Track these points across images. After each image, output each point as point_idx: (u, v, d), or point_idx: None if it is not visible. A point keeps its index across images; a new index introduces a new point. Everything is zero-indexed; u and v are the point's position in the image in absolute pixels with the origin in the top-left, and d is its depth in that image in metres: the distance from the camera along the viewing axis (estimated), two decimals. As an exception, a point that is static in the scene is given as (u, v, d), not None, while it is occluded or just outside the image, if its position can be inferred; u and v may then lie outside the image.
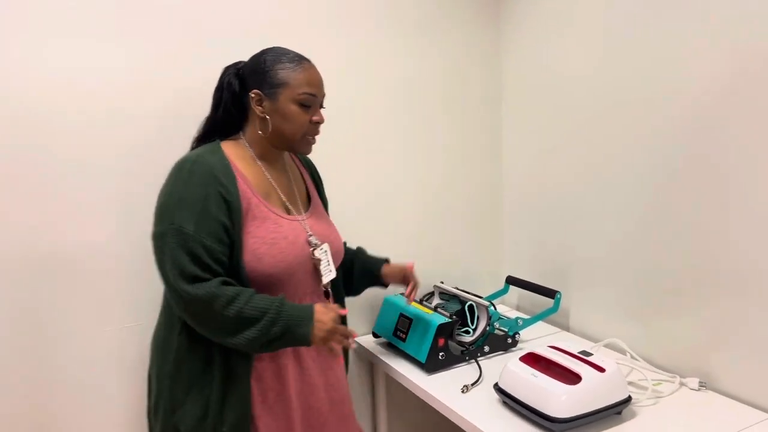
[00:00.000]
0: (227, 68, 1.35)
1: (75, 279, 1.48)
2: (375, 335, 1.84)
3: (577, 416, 1.23)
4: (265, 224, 1.25)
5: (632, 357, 1.60)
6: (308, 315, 1.21)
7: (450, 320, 1.59)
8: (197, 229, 1.16)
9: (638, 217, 1.62)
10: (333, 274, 1.37)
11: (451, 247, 2.08)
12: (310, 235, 1.33)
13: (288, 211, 1.34)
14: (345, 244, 1.62)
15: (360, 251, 1.66)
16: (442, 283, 1.97)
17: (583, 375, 1.26)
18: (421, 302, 1.78)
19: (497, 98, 2.12)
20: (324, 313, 1.22)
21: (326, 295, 1.40)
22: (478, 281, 2.15)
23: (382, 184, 1.92)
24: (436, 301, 1.89)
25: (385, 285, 1.64)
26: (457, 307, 1.78)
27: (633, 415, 1.33)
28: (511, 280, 1.98)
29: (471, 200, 2.11)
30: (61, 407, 1.49)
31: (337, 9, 1.78)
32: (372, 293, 1.91)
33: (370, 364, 1.94)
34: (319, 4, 1.75)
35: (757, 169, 1.32)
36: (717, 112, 1.39)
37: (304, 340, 1.20)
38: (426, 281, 2.03)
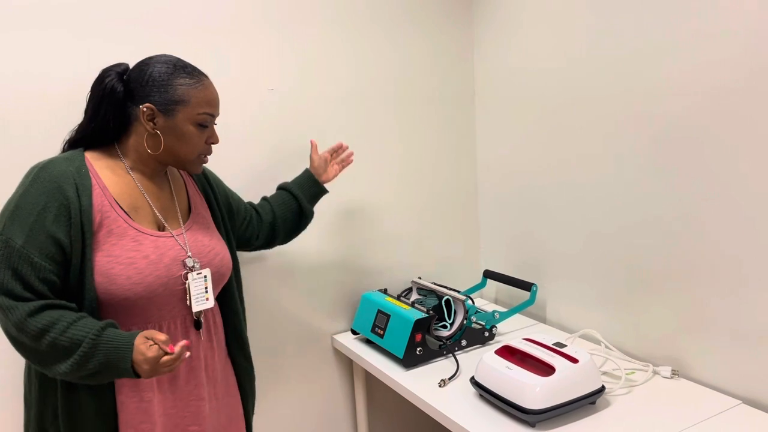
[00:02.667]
0: (107, 71, 1.18)
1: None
2: (353, 332, 1.84)
3: (551, 407, 1.24)
4: (122, 241, 1.12)
5: (606, 347, 1.62)
6: (128, 348, 1.04)
7: (427, 315, 1.60)
8: (26, 243, 1.05)
9: (611, 209, 1.64)
10: (209, 304, 1.24)
11: (428, 243, 2.09)
12: (189, 256, 1.21)
13: (161, 227, 1.22)
14: (265, 198, 1.61)
15: (288, 188, 1.60)
16: (420, 278, 1.98)
17: (556, 366, 1.28)
18: (398, 298, 1.78)
19: (470, 94, 2.13)
20: (141, 352, 1.04)
21: (197, 325, 1.25)
22: (456, 276, 2.17)
23: (357, 182, 1.92)
24: (413, 296, 1.89)
25: (324, 188, 1.63)
26: (434, 302, 1.79)
27: (607, 404, 1.35)
28: (488, 274, 2.00)
29: (447, 196, 2.12)
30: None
31: (311, 6, 1.77)
32: (349, 290, 1.92)
33: (349, 360, 1.94)
34: (292, 3, 1.74)
35: (729, 163, 1.34)
36: (689, 108, 1.41)
37: (129, 375, 1.05)
38: (404, 277, 2.04)
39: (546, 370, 1.29)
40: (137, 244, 1.14)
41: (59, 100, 1.45)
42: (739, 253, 1.34)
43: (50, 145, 1.44)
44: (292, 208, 1.58)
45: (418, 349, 1.59)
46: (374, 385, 2.01)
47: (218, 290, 1.31)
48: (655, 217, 1.52)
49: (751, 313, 1.33)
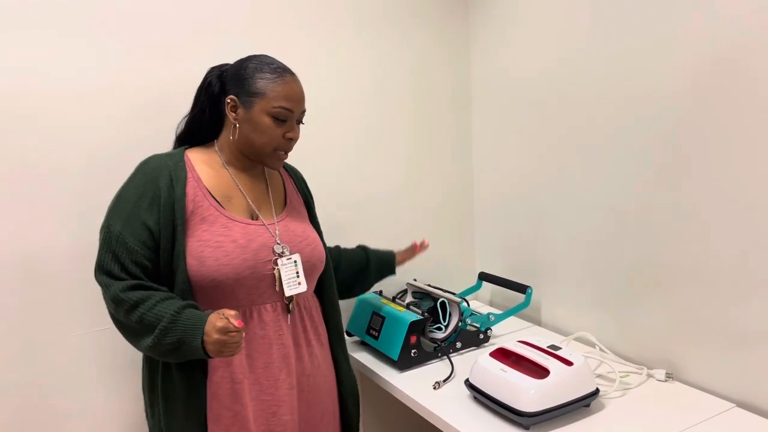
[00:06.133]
0: (212, 69, 1.31)
1: (38, 284, 1.46)
2: (348, 334, 1.83)
3: (545, 410, 1.24)
4: (212, 228, 1.22)
5: (601, 350, 1.62)
6: (200, 326, 1.10)
7: (422, 317, 1.60)
8: (123, 230, 1.17)
9: (606, 212, 1.64)
10: (302, 288, 1.31)
11: (423, 245, 2.09)
12: (277, 243, 1.28)
13: (253, 217, 1.30)
14: (338, 247, 1.66)
15: (368, 250, 1.67)
16: (415, 280, 1.98)
17: (551, 369, 1.28)
18: (393, 300, 1.78)
19: (467, 96, 2.13)
20: (212, 323, 1.09)
21: (288, 309, 1.32)
22: (451, 278, 2.16)
23: (353, 184, 1.91)
24: (408, 298, 1.89)
25: (393, 270, 1.69)
26: (429, 304, 1.79)
27: (601, 407, 1.35)
28: (483, 276, 2.00)
29: (442, 198, 2.12)
30: (34, 414, 1.47)
31: (306, 8, 1.77)
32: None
33: (345, 362, 1.94)
34: (288, 3, 1.74)
35: (724, 166, 1.35)
36: (684, 110, 1.41)
37: (200, 354, 1.11)
38: (399, 279, 2.03)
39: (540, 372, 1.28)
40: (226, 229, 1.23)
41: (60, 97, 1.45)
42: (733, 256, 1.34)
43: (52, 143, 1.44)
44: (359, 268, 1.62)
45: (412, 351, 1.59)
46: (369, 387, 2.00)
47: (312, 280, 1.38)
48: (650, 221, 1.52)
49: (745, 316, 1.33)
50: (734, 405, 1.34)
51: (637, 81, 1.51)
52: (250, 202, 1.31)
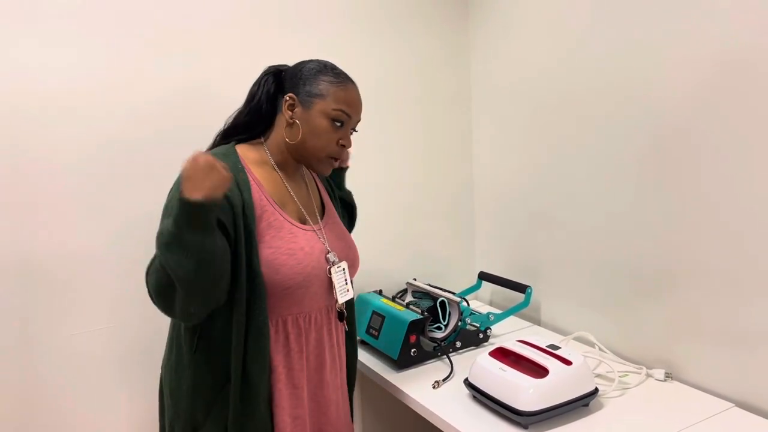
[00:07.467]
0: (269, 68, 1.29)
1: (41, 283, 1.47)
2: (348, 333, 1.84)
3: (544, 409, 1.24)
4: (280, 234, 1.19)
5: (600, 349, 1.62)
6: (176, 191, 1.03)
7: (422, 317, 1.60)
8: None
9: (606, 212, 1.64)
10: (350, 294, 1.32)
11: (423, 244, 2.09)
12: (329, 252, 1.27)
13: (304, 221, 1.28)
14: None
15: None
16: (415, 280, 1.98)
17: (550, 368, 1.28)
18: (393, 299, 1.78)
19: (467, 96, 2.13)
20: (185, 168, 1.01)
21: (340, 316, 1.33)
22: (451, 277, 2.17)
23: (352, 183, 1.91)
24: (408, 298, 1.89)
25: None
26: (429, 303, 1.79)
27: (600, 406, 1.35)
28: (483, 276, 2.00)
29: (442, 197, 2.12)
30: (32, 410, 1.47)
31: (308, 8, 1.77)
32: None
33: (344, 361, 1.94)
34: (288, 3, 1.74)
35: (723, 167, 1.35)
36: (684, 110, 1.41)
37: (187, 202, 0.99)
38: (399, 278, 2.04)
39: (539, 372, 1.29)
40: (293, 236, 1.21)
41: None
42: (731, 257, 1.34)
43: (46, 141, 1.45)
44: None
45: (412, 350, 1.59)
46: (369, 386, 2.01)
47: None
48: (649, 222, 1.52)
49: (744, 317, 1.34)
50: (733, 405, 1.34)
51: (638, 81, 1.51)
52: (301, 207, 1.29)
